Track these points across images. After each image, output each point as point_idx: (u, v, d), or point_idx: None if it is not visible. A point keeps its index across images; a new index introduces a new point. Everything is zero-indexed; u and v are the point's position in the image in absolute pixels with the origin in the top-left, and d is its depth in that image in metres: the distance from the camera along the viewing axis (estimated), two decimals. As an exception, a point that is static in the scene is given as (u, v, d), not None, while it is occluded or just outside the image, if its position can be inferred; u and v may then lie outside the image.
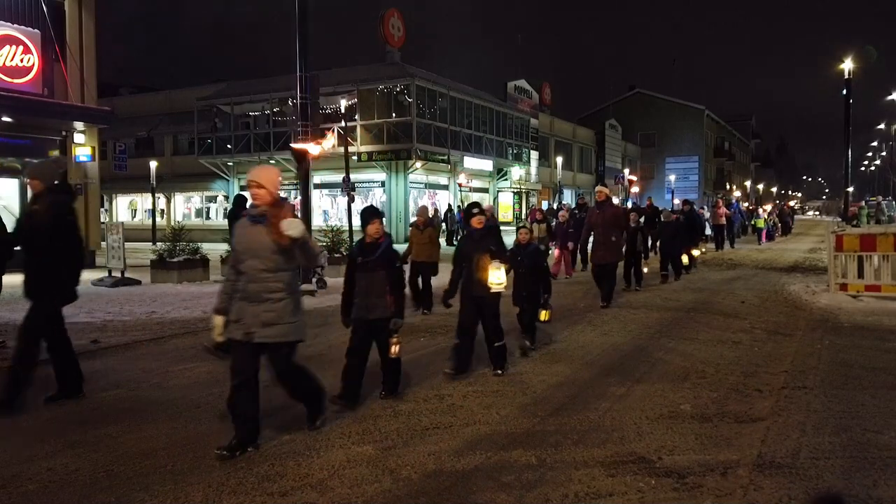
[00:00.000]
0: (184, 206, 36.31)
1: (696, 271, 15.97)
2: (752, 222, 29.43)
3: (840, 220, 25.88)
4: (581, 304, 10.74)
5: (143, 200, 36.59)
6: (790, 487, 3.72)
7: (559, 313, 9.61)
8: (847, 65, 22.49)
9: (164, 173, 34.33)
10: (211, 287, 13.09)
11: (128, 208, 37.82)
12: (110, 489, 3.78)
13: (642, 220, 14.95)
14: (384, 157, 29.22)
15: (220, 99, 32.82)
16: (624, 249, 12.09)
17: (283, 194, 4.35)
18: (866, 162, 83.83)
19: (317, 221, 25.12)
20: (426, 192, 31.51)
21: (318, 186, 29.69)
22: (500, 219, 33.57)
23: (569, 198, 42.90)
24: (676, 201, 28.85)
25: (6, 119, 15.06)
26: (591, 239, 11.01)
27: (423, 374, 6.20)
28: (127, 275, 13.17)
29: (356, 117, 28.95)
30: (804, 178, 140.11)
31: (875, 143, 72.06)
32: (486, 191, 36.28)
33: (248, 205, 4.70)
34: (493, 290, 6.08)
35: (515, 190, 38.63)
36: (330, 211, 31.02)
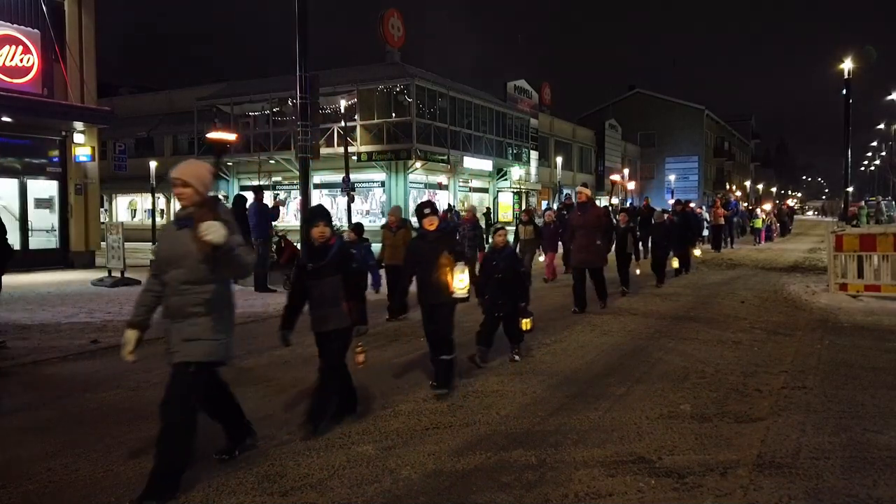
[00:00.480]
0: (184, 207, 36.31)
1: (696, 271, 15.97)
2: (751, 223, 29.33)
3: (839, 220, 25.87)
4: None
5: (143, 200, 36.59)
6: (790, 487, 3.73)
7: (559, 313, 9.64)
8: (847, 65, 22.50)
9: (164, 173, 34.23)
10: (211, 287, 13.09)
11: (127, 208, 37.84)
12: (110, 489, 3.78)
13: (636, 220, 14.80)
14: (384, 157, 29.23)
15: (220, 99, 32.85)
16: (613, 250, 11.94)
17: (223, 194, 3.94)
18: (866, 162, 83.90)
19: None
20: (426, 191, 31.51)
21: (317, 186, 29.70)
22: (501, 219, 33.58)
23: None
24: (671, 201, 28.76)
25: (6, 119, 15.07)
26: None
27: (422, 374, 6.20)
28: (127, 275, 13.17)
29: (356, 117, 28.96)
30: (804, 177, 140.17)
31: (875, 143, 72.13)
32: (485, 191, 36.29)
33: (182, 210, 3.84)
34: (456, 296, 5.62)
35: (515, 190, 38.62)
36: (330, 211, 31.01)
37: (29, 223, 16.50)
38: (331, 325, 4.68)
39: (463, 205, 32.48)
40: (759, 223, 28.08)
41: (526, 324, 6.60)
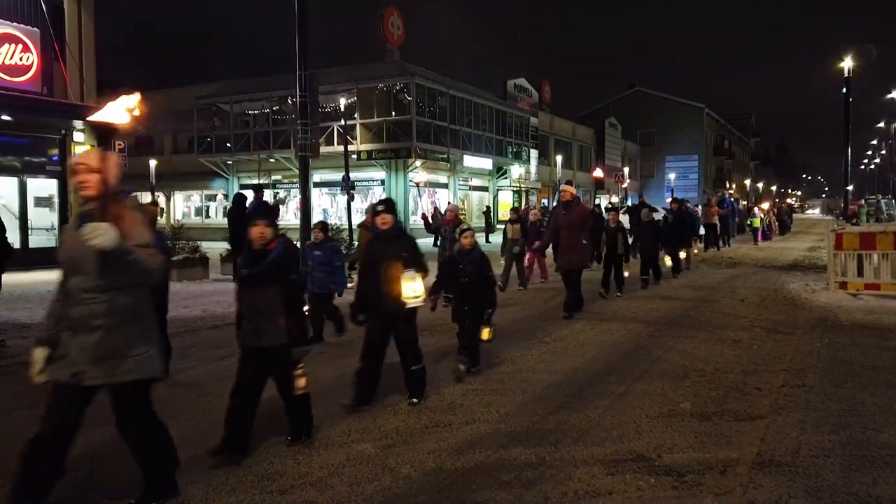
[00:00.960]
0: (183, 205, 36.37)
1: (696, 269, 15.97)
2: (749, 222, 29.16)
3: (837, 218, 25.81)
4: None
5: (143, 199, 36.59)
6: (790, 486, 3.73)
7: (557, 313, 9.61)
8: (847, 63, 22.49)
9: (164, 172, 34.32)
10: (211, 286, 13.10)
11: (127, 207, 37.82)
12: (110, 489, 3.78)
13: (626, 219, 14.39)
14: (384, 156, 29.24)
15: (220, 97, 32.86)
16: (602, 251, 11.76)
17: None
18: (866, 160, 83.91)
19: (316, 220, 25.09)
20: (426, 190, 31.50)
21: (317, 185, 29.69)
22: (501, 217, 33.57)
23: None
24: (668, 199, 28.61)
25: (5, 118, 15.06)
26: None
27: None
28: (126, 273, 13.14)
29: (356, 116, 28.98)
30: (804, 176, 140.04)
31: (875, 142, 72.15)
32: (485, 189, 36.29)
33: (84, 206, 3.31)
34: (409, 305, 5.13)
35: (515, 189, 38.63)
36: (330, 209, 31.02)
37: (29, 222, 16.51)
38: (268, 339, 4.17)
39: (463, 204, 32.51)
40: (756, 222, 27.98)
41: (486, 333, 6.17)
